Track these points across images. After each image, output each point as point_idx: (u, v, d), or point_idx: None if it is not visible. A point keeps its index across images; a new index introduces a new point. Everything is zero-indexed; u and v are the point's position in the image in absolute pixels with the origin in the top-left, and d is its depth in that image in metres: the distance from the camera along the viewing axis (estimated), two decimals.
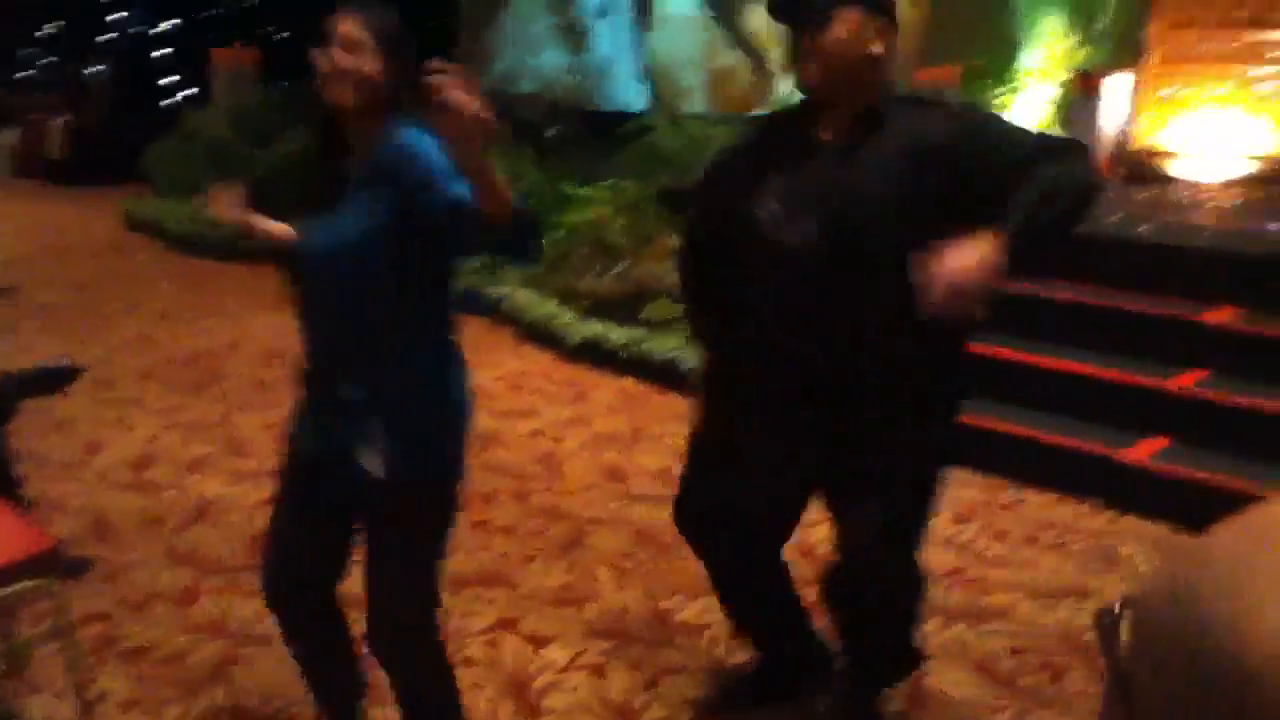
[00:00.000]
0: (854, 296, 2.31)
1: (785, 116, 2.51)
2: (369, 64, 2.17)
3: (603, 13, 11.72)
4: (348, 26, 2.18)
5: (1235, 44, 6.75)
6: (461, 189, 1.97)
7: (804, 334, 2.38)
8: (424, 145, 2.11)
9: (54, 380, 3.91)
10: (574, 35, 11.79)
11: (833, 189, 2.29)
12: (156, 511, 4.14)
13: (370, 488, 2.25)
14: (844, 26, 2.23)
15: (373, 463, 2.22)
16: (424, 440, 2.28)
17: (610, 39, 11.58)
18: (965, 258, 2.01)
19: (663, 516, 4.14)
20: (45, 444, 4.72)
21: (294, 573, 2.43)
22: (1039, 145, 2.23)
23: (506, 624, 3.38)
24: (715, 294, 2.61)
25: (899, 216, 2.23)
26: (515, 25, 12.34)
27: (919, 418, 2.45)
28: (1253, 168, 6.66)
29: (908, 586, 2.59)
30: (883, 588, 2.54)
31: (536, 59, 11.72)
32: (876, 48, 2.26)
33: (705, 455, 2.74)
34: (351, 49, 2.16)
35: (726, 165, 2.55)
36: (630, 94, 10.93)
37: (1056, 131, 7.26)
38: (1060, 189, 2.13)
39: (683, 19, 10.88)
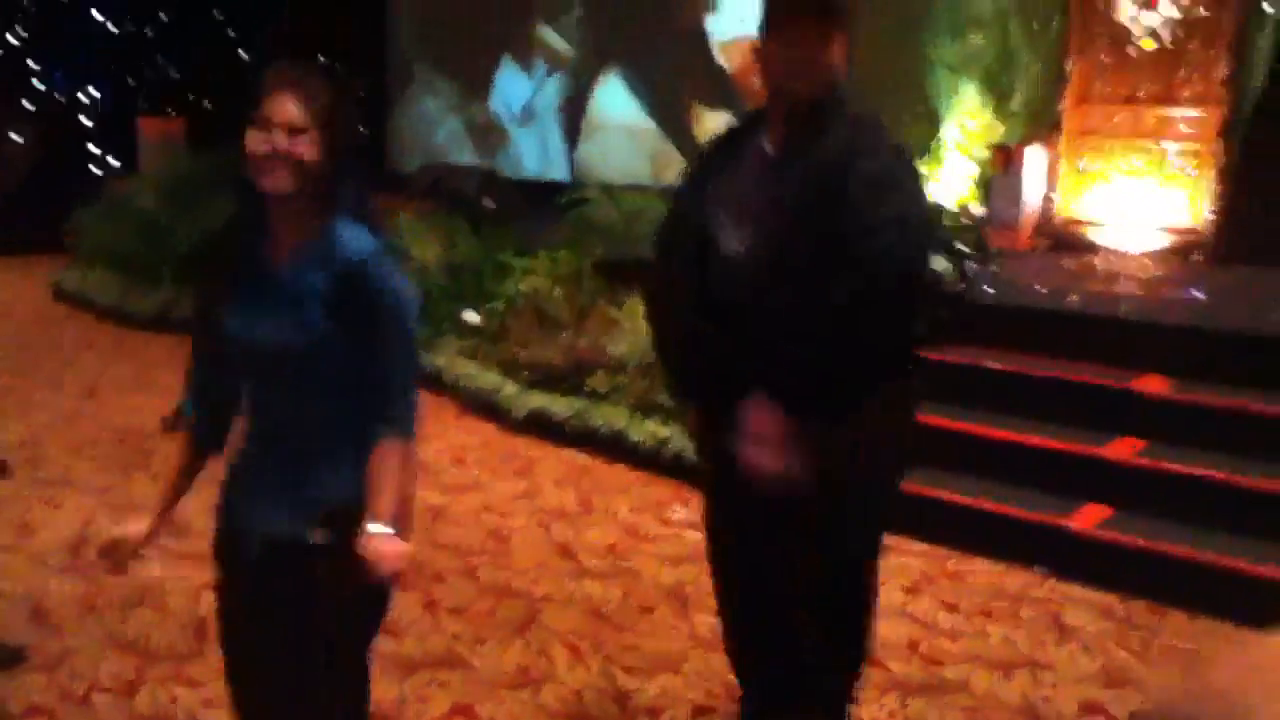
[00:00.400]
0: (785, 303, 2.39)
1: (740, 130, 2.63)
2: (309, 149, 2.03)
3: (526, 118, 10.55)
4: (287, 108, 2.01)
5: (1147, 119, 7.04)
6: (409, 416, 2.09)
7: (747, 342, 2.45)
8: (403, 315, 2.10)
9: None
10: (489, 139, 10.89)
11: (765, 197, 2.40)
12: (95, 596, 4.01)
13: (303, 579, 2.13)
14: (838, 46, 2.40)
15: (313, 534, 2.11)
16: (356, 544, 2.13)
17: (536, 150, 10.48)
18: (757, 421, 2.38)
19: (615, 593, 4.15)
20: None
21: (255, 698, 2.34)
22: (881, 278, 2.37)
23: (462, 710, 3.33)
24: (681, 316, 2.63)
25: (815, 226, 2.34)
26: (420, 125, 11.58)
27: (867, 448, 2.51)
28: (1170, 239, 6.91)
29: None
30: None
31: (450, 163, 10.48)
32: (832, 57, 2.41)
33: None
34: (291, 132, 2.01)
35: (686, 183, 2.67)
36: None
37: (976, 207, 7.49)
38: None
39: (622, 128, 9.72)
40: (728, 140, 2.63)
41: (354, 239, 2.08)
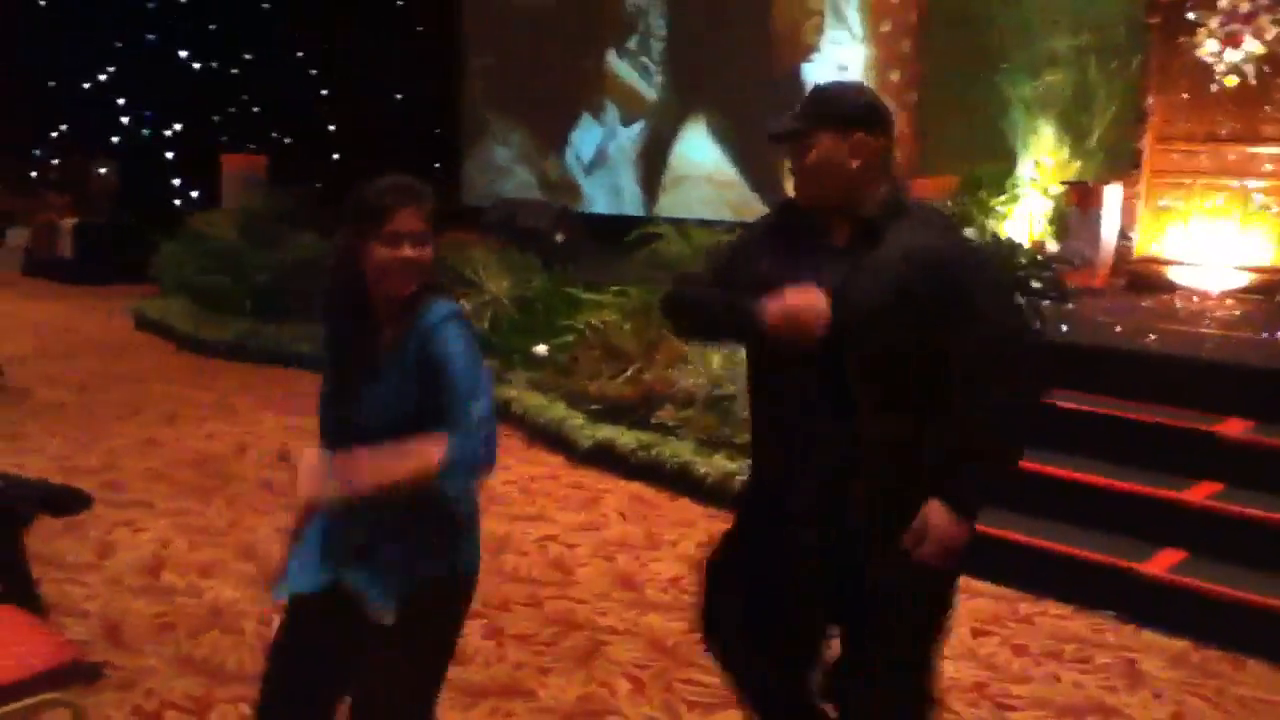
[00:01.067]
0: (851, 392, 2.41)
1: (797, 212, 2.60)
2: (429, 252, 2.25)
3: (596, 164, 10.33)
4: (412, 221, 2.22)
5: (1229, 157, 6.92)
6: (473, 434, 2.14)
7: (807, 426, 2.45)
8: (463, 354, 2.21)
9: (66, 502, 3.95)
10: (560, 193, 10.77)
11: (833, 289, 2.38)
12: (170, 617, 4.09)
13: (372, 632, 2.27)
14: (819, 149, 2.41)
15: (379, 611, 2.26)
16: (432, 595, 2.32)
17: (608, 197, 10.24)
18: (942, 537, 2.36)
19: (678, 626, 4.13)
20: (55, 546, 4.68)
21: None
22: (994, 347, 2.38)
23: None
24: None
25: (890, 319, 2.36)
26: (493, 175, 11.62)
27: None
28: (1250, 279, 6.77)
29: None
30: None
31: (523, 198, 10.48)
32: (854, 163, 2.42)
33: (723, 573, 2.74)
34: (417, 241, 2.22)
35: (742, 251, 2.65)
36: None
37: (1051, 244, 7.41)
38: (998, 438, 2.41)
39: (706, 179, 9.25)
40: (782, 224, 2.62)
41: (435, 309, 2.26)
